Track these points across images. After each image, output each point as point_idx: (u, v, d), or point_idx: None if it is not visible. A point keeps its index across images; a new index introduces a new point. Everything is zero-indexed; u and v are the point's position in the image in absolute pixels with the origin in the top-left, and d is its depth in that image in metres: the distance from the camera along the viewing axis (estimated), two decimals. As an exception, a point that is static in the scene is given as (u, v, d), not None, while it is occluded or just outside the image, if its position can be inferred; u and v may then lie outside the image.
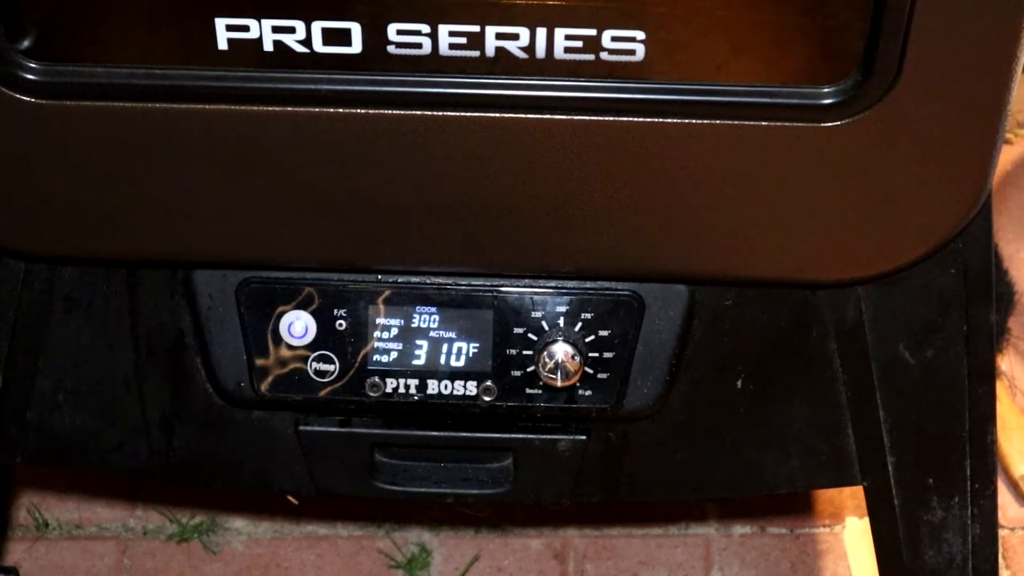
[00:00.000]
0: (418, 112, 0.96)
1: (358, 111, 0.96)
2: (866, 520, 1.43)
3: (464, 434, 1.17)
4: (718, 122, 0.95)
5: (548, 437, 1.16)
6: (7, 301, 1.12)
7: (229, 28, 0.93)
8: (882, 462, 1.16)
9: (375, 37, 0.93)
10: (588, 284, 1.10)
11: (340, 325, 1.11)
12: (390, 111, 0.96)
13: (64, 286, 1.13)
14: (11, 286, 1.12)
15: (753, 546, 1.60)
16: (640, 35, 0.93)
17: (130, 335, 1.15)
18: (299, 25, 0.93)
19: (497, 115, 0.96)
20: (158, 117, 0.96)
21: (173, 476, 1.21)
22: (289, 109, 0.96)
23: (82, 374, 1.16)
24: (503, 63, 0.94)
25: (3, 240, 1.06)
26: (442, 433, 1.17)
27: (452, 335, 1.11)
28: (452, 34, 0.93)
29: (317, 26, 0.93)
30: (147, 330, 1.14)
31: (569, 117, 0.95)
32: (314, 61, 0.94)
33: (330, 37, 0.93)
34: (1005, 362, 1.77)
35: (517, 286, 1.10)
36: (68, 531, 1.60)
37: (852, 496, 1.64)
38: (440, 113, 0.96)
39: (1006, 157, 2.07)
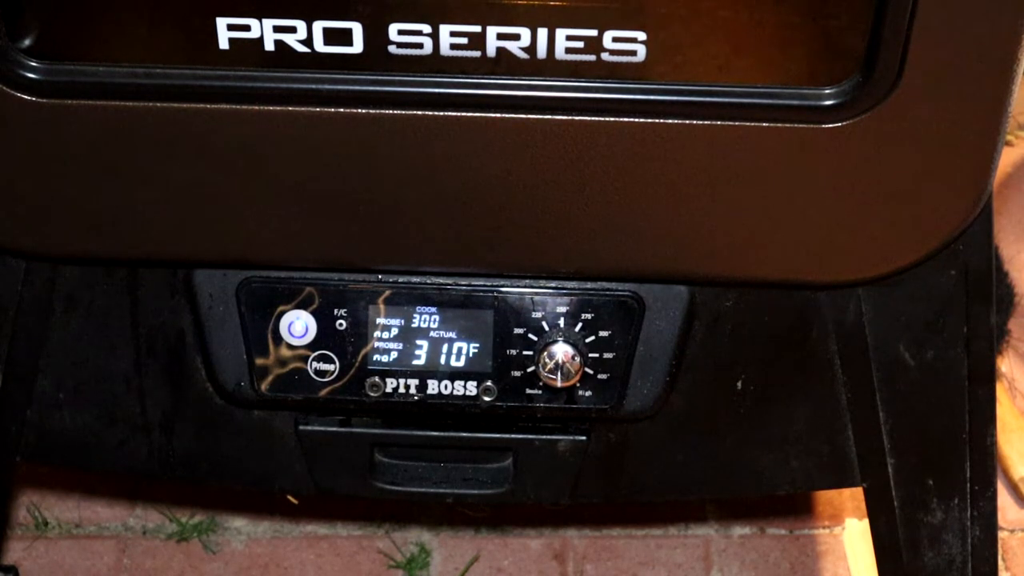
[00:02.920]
0: (419, 112, 0.96)
1: (359, 111, 0.96)
2: (866, 521, 1.43)
3: (464, 434, 1.17)
4: (719, 123, 0.95)
5: (548, 437, 1.16)
6: (7, 300, 1.12)
7: (230, 27, 0.93)
8: (882, 463, 1.16)
9: (376, 37, 0.93)
10: (588, 284, 1.10)
11: (340, 325, 1.11)
12: (391, 111, 0.96)
13: (65, 285, 1.13)
14: (11, 285, 1.12)
15: (753, 547, 1.60)
16: (641, 36, 0.93)
17: (130, 334, 1.15)
18: (300, 25, 0.93)
19: (498, 115, 0.95)
20: (159, 116, 0.96)
21: (173, 475, 1.20)
22: (290, 109, 0.96)
23: (82, 373, 1.16)
24: (504, 63, 0.94)
25: (4, 239, 1.06)
26: (442, 433, 1.17)
27: (452, 335, 1.11)
28: (453, 34, 0.93)
29: (318, 26, 0.93)
30: (147, 329, 1.14)
31: (570, 118, 0.95)
32: (315, 61, 0.94)
33: (331, 37, 0.93)
34: (1005, 364, 1.77)
35: (517, 286, 1.10)
36: (68, 530, 1.60)
37: (852, 497, 1.64)
38: (441, 113, 0.96)
39: (1007, 159, 2.07)
